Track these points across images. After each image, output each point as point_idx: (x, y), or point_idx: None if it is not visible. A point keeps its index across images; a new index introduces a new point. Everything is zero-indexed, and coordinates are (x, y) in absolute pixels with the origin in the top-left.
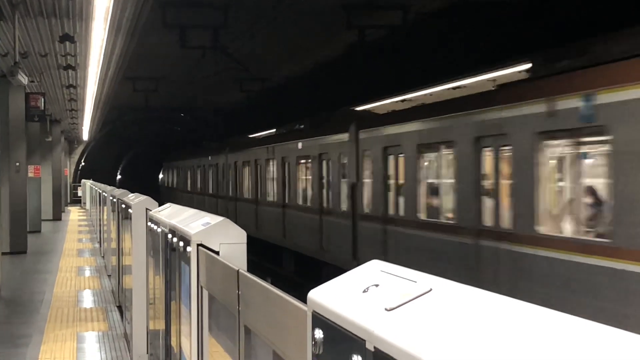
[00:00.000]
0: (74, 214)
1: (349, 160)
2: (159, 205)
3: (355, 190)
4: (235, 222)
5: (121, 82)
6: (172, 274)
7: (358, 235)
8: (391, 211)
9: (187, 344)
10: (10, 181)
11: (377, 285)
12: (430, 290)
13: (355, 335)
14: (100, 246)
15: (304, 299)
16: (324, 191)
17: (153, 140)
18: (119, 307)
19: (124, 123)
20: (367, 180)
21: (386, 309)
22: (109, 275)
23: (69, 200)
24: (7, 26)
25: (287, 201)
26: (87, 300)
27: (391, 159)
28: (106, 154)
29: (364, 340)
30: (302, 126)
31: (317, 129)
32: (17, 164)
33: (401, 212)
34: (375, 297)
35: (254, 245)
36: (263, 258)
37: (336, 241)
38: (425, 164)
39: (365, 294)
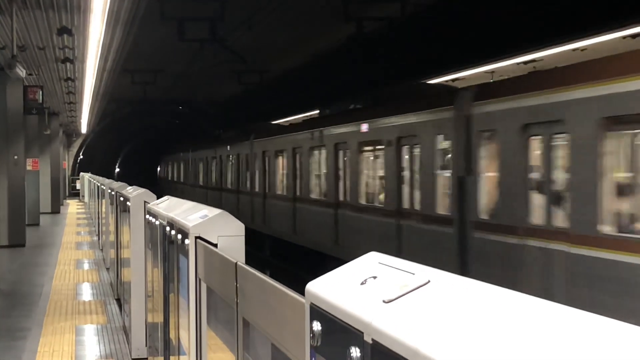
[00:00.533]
0: (72, 207)
1: (454, 145)
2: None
3: (464, 188)
4: (264, 223)
5: (119, 75)
6: (171, 266)
7: (469, 249)
8: (537, 219)
9: (186, 337)
10: (9, 174)
11: (375, 277)
12: (428, 282)
13: (353, 327)
14: (99, 239)
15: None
16: (405, 187)
17: (151, 133)
18: (118, 300)
19: (122, 116)
20: (488, 174)
21: (384, 301)
22: (108, 268)
23: (67, 193)
24: (5, 19)
25: (342, 199)
26: (86, 293)
27: (536, 141)
28: (104, 147)
29: (362, 332)
30: (367, 102)
31: (393, 104)
32: (16, 157)
33: (560, 221)
34: (373, 289)
35: (290, 252)
36: (304, 269)
37: (425, 254)
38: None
39: (363, 286)
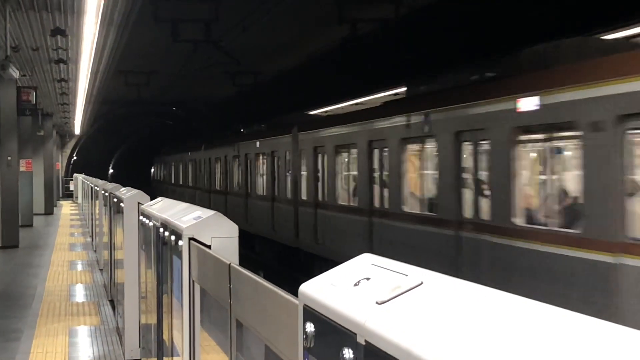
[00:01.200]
0: (65, 208)
1: None
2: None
3: None
4: (315, 241)
5: (113, 76)
6: (164, 267)
7: None
8: None
9: (179, 338)
10: (2, 175)
11: (368, 279)
12: (421, 283)
13: (346, 329)
14: (92, 240)
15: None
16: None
17: (145, 134)
18: (111, 301)
19: (116, 117)
20: None
21: (377, 303)
22: (101, 270)
23: (60, 195)
24: None
25: (469, 216)
26: (79, 294)
27: None
28: (98, 148)
29: (355, 334)
30: (518, 68)
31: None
32: (9, 158)
33: None
34: (366, 291)
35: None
36: None
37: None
38: None
39: (356, 288)
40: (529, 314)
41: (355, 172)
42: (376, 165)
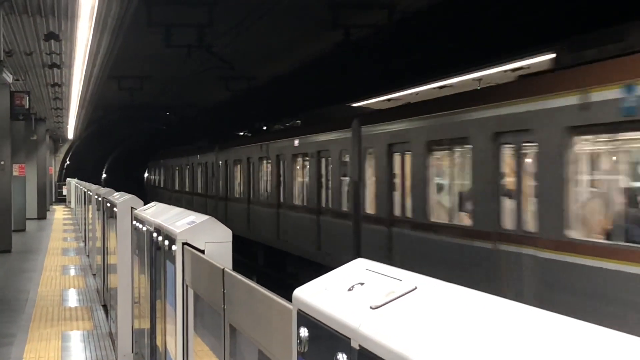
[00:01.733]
0: (58, 212)
1: None
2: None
3: None
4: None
5: (106, 81)
6: (158, 272)
7: None
8: None
9: (173, 343)
10: None
11: (362, 284)
12: (415, 288)
13: (340, 334)
14: (85, 245)
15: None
16: None
17: (139, 139)
18: (104, 306)
19: (109, 122)
20: None
21: (371, 307)
22: (94, 274)
23: (53, 199)
24: None
25: None
26: (72, 299)
27: None
28: (91, 153)
29: (349, 339)
30: None
31: None
32: (2, 162)
33: None
34: (361, 296)
35: None
36: None
37: None
38: None
39: (350, 293)
40: (522, 319)
41: (466, 179)
42: (508, 168)
